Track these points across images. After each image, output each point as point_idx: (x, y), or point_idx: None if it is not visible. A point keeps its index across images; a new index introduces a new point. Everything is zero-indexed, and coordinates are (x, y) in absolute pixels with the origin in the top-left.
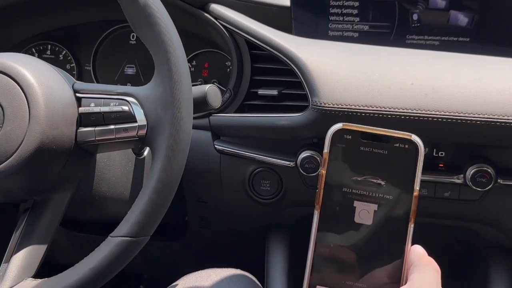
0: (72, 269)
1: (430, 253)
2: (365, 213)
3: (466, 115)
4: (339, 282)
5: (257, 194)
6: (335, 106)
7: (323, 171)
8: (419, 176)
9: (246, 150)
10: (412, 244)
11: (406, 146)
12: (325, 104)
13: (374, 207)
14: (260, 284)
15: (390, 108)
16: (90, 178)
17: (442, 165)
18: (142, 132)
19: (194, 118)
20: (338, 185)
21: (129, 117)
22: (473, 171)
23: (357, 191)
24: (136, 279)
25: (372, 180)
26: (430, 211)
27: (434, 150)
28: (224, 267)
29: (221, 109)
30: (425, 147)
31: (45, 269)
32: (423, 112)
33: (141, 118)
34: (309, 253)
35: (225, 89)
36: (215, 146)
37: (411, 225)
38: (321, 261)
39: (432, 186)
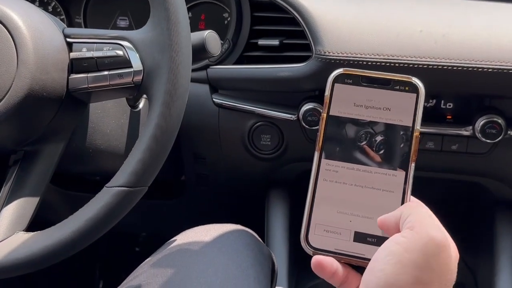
0: (66, 221)
1: (435, 209)
2: (364, 155)
3: (478, 62)
4: (339, 221)
5: (257, 149)
6: (340, 55)
7: (324, 115)
8: (419, 117)
9: (246, 103)
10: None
11: (407, 88)
12: (329, 53)
13: (375, 148)
14: (260, 239)
15: (398, 56)
16: (84, 129)
17: (450, 117)
18: (138, 78)
19: (191, 70)
20: (338, 128)
21: (124, 62)
22: (482, 122)
23: (357, 134)
24: (132, 239)
25: (373, 123)
26: (436, 165)
27: (442, 102)
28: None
29: (220, 61)
30: (432, 98)
31: (38, 228)
32: (433, 60)
33: (136, 63)
34: (309, 193)
35: (223, 41)
36: (213, 99)
37: (412, 164)
38: (321, 201)
39: (439, 139)
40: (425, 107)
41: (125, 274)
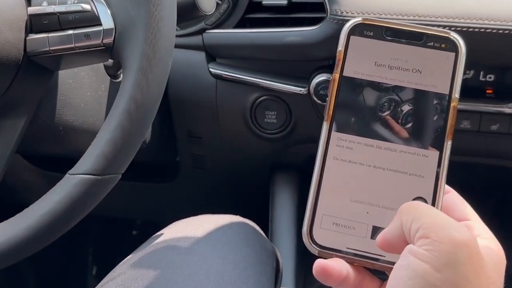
0: (18, 216)
1: (471, 199)
2: (387, 128)
3: None
4: (353, 212)
5: (260, 128)
6: (360, 16)
7: (336, 75)
8: (458, 82)
9: (248, 74)
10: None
11: (443, 45)
12: (347, 13)
13: (400, 120)
14: (263, 233)
15: (428, 17)
16: (52, 103)
17: (490, 91)
18: (109, 39)
19: (184, 35)
20: (353, 94)
21: (92, 19)
22: None
23: (378, 101)
24: (129, 222)
25: (399, 88)
26: (472, 148)
27: (481, 73)
28: (222, 214)
29: (217, 24)
30: (469, 69)
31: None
32: (472, 21)
33: (107, 20)
34: (314, 175)
35: (221, 0)
36: (210, 69)
37: (448, 142)
38: (330, 185)
39: (476, 118)
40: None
41: (119, 259)
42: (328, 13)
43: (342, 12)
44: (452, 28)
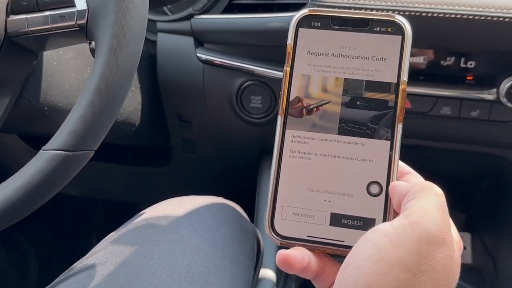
0: None
1: (450, 187)
2: (339, 115)
3: (506, 11)
4: (311, 201)
5: (246, 112)
6: (341, 1)
7: (286, 68)
8: (406, 65)
9: (234, 59)
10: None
11: (389, 29)
12: None
13: (351, 106)
14: (245, 215)
15: (406, 4)
16: (37, 83)
17: (470, 77)
18: (83, 20)
19: (172, 21)
20: (305, 85)
21: (67, 1)
22: (509, 84)
23: (329, 90)
24: (132, 207)
25: (348, 75)
26: (452, 134)
27: (462, 59)
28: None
29: (205, 10)
30: (450, 56)
31: None
32: (449, 8)
33: (80, 2)
34: (272, 168)
35: None
36: (198, 54)
37: (399, 124)
38: (287, 176)
39: (456, 104)
40: (442, 66)
41: None
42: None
43: None
44: (428, 15)
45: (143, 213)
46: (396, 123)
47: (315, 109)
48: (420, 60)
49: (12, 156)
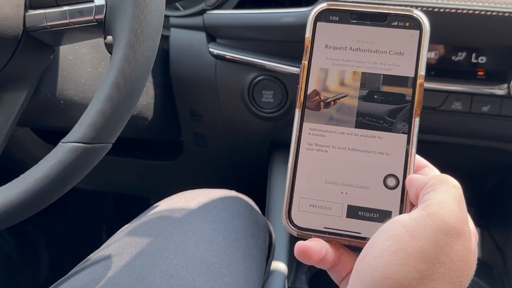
0: (14, 181)
1: (468, 181)
2: (356, 109)
3: None
4: (328, 193)
5: (258, 107)
6: None
7: (304, 62)
8: (423, 59)
9: (246, 54)
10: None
11: (407, 24)
12: None
13: (369, 100)
14: (257, 208)
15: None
16: (53, 77)
17: (481, 73)
18: (101, 15)
19: (185, 16)
20: (323, 79)
21: None
22: None
23: (346, 83)
24: (142, 201)
25: (367, 70)
26: (462, 129)
27: (473, 55)
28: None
29: (218, 5)
30: (461, 51)
31: None
32: (461, 3)
33: None
34: (290, 161)
35: None
36: (210, 49)
37: (416, 118)
38: (305, 169)
39: (467, 99)
40: (453, 61)
41: None
42: None
43: None
44: (440, 10)
45: (157, 205)
46: (413, 117)
47: (332, 102)
48: (431, 55)
49: (25, 149)
